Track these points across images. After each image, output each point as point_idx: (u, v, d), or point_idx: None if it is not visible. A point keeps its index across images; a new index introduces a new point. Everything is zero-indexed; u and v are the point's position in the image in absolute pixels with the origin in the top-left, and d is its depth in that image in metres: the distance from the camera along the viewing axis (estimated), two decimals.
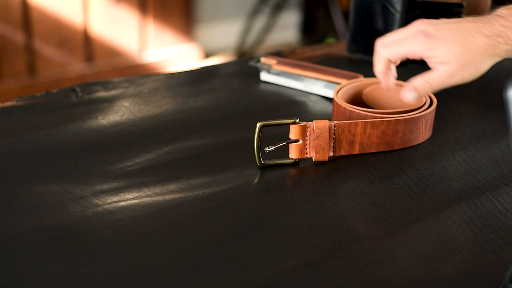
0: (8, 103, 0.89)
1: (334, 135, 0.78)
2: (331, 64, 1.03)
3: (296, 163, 0.78)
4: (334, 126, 0.77)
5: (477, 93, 0.99)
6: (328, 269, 0.61)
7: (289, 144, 0.78)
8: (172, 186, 0.72)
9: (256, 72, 1.03)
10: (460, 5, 1.05)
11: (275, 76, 1.00)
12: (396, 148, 0.81)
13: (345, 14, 2.75)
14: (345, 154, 0.79)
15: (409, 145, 0.82)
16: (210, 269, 0.60)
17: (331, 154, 0.78)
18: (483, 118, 0.91)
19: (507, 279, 0.56)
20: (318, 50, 1.16)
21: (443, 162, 0.80)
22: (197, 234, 0.65)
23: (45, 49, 2.45)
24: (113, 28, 2.57)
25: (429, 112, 0.82)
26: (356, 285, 0.59)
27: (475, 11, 1.13)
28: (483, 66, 0.79)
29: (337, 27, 2.79)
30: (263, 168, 0.77)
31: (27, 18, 2.39)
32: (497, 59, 0.79)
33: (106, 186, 0.71)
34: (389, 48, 0.81)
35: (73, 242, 0.62)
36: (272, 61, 1.01)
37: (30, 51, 2.43)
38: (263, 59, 1.01)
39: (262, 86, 1.00)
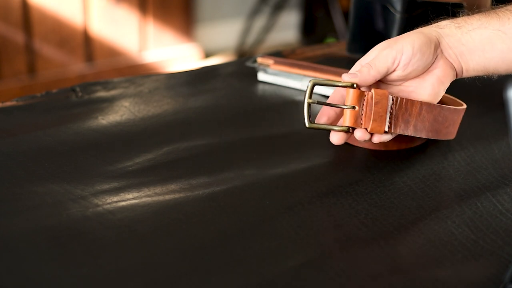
0: (8, 103, 0.89)
1: (391, 109, 0.73)
2: (331, 64, 1.03)
3: (348, 130, 0.73)
4: (393, 99, 0.73)
5: (477, 93, 0.99)
6: (328, 269, 0.61)
7: (344, 111, 0.73)
8: (172, 186, 0.72)
9: (256, 72, 1.03)
10: (460, 5, 1.05)
11: (272, 76, 1.00)
12: (440, 138, 0.77)
13: (345, 14, 2.75)
14: (400, 132, 0.74)
15: (447, 138, 0.79)
16: (210, 269, 0.60)
17: (386, 128, 0.73)
18: (483, 118, 0.91)
19: (507, 279, 0.56)
20: (318, 50, 1.16)
21: (443, 162, 0.80)
22: (197, 234, 0.65)
23: (45, 49, 2.45)
24: (113, 28, 2.57)
25: (463, 110, 0.80)
26: (356, 285, 0.59)
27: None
28: (417, 34, 0.74)
29: (337, 27, 2.79)
30: (311, 129, 0.73)
31: (27, 18, 2.39)
32: (433, 33, 0.76)
33: (106, 186, 0.71)
34: (378, 62, 0.75)
35: (73, 242, 0.62)
36: (269, 61, 1.00)
37: (30, 51, 2.43)
38: (259, 59, 1.01)
39: (262, 86, 1.00)
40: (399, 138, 0.78)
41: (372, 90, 0.73)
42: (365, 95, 0.73)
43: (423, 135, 0.76)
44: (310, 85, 0.73)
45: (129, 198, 0.70)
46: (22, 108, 0.88)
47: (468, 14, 0.79)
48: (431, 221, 0.68)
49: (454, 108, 0.78)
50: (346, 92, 0.73)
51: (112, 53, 2.60)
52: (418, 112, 0.74)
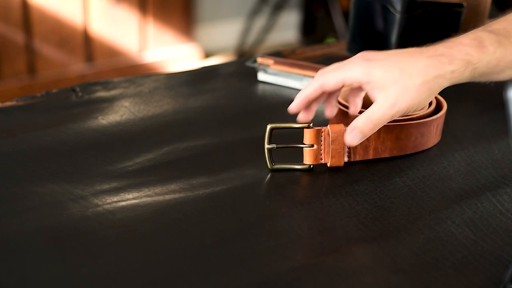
0: (8, 103, 0.89)
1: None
2: (331, 64, 1.03)
3: (310, 169, 0.76)
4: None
5: (477, 93, 0.99)
6: (328, 269, 0.61)
7: (303, 149, 0.76)
8: (172, 186, 0.72)
9: (256, 72, 1.03)
10: (460, 5, 1.05)
11: (272, 76, 1.00)
12: (408, 152, 0.80)
13: (345, 14, 2.75)
14: (360, 159, 0.77)
15: (420, 149, 0.81)
16: (210, 269, 0.60)
17: (346, 159, 0.77)
18: (483, 118, 0.91)
19: (507, 279, 0.56)
20: (318, 50, 1.16)
21: (443, 162, 0.80)
22: (197, 234, 0.65)
23: (45, 49, 2.45)
24: (113, 28, 2.57)
25: (440, 116, 0.81)
26: (356, 285, 0.59)
27: (475, 11, 1.13)
28: (428, 90, 0.72)
29: (337, 27, 2.79)
30: (274, 171, 0.76)
31: (27, 18, 2.39)
32: (443, 83, 0.72)
33: (106, 186, 0.71)
34: (325, 75, 0.74)
35: (73, 242, 0.62)
36: (269, 61, 1.00)
37: (30, 51, 2.43)
38: (259, 59, 1.01)
39: (262, 86, 1.00)
40: (390, 146, 0.79)
41: (328, 127, 0.75)
42: (322, 132, 0.75)
43: (386, 155, 0.78)
44: (268, 130, 0.76)
45: (129, 198, 0.70)
46: (22, 108, 0.88)
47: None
48: (431, 221, 0.68)
49: (417, 123, 0.78)
50: (304, 132, 0.75)
51: (112, 53, 2.60)
52: (376, 136, 0.77)
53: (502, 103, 0.91)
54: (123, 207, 0.68)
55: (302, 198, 0.72)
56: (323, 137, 0.75)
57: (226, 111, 0.91)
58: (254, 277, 0.59)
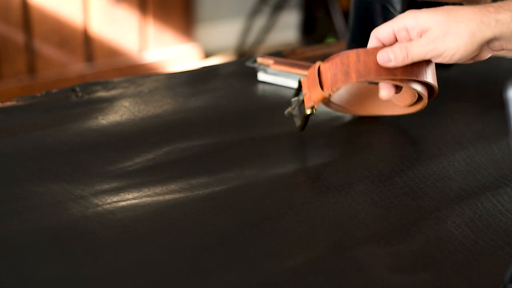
0: (8, 103, 0.89)
1: (329, 72, 0.77)
2: None
3: (312, 113, 0.80)
4: (327, 64, 0.77)
5: (477, 93, 0.99)
6: (328, 269, 0.61)
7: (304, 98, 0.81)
8: (172, 186, 0.72)
9: (256, 72, 1.03)
10: (460, 5, 1.05)
11: (272, 76, 1.00)
12: (399, 77, 0.75)
13: (345, 14, 2.75)
14: (342, 85, 0.76)
15: (413, 78, 0.76)
16: (210, 269, 0.60)
17: (327, 88, 0.77)
18: (483, 118, 0.91)
19: (507, 279, 0.56)
20: (318, 50, 1.16)
21: (443, 162, 0.80)
22: (197, 234, 0.65)
23: (45, 49, 2.45)
24: (113, 28, 2.57)
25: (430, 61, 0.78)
26: (356, 285, 0.59)
27: None
28: (470, 36, 0.72)
29: (337, 27, 2.79)
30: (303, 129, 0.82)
31: (27, 18, 2.39)
32: (487, 32, 0.72)
33: (106, 186, 0.71)
34: (378, 29, 0.77)
35: (73, 242, 0.62)
36: (269, 61, 1.00)
37: (30, 51, 2.43)
38: (259, 59, 1.01)
39: (262, 86, 1.00)
40: (374, 68, 0.76)
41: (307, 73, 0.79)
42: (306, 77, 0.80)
43: (372, 75, 0.75)
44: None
45: (129, 198, 0.70)
46: (22, 108, 0.88)
47: None
48: (431, 221, 0.68)
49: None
50: (301, 83, 0.82)
51: (112, 53, 2.60)
52: (355, 60, 0.76)
53: (502, 103, 0.91)
54: (123, 207, 0.68)
55: (302, 198, 0.72)
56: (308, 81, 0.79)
57: (226, 111, 0.91)
58: (254, 277, 0.59)
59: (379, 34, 0.77)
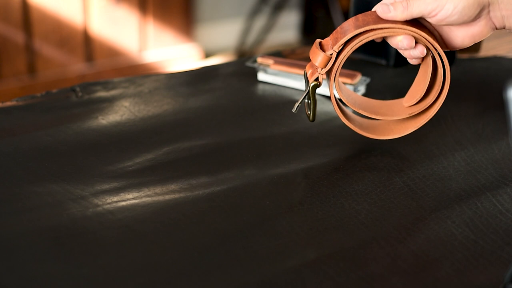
0: (8, 103, 0.89)
1: (330, 40, 0.75)
2: None
3: (316, 85, 0.77)
4: (330, 36, 0.76)
5: (477, 93, 0.99)
6: (328, 269, 0.61)
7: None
8: (172, 186, 0.72)
9: (256, 72, 1.03)
10: None
11: (272, 76, 1.00)
12: (400, 24, 0.74)
13: (345, 14, 2.75)
14: (343, 40, 0.74)
15: (418, 28, 0.74)
16: (210, 269, 0.60)
17: (327, 51, 0.75)
18: (483, 118, 0.91)
19: (507, 279, 0.56)
20: None
21: (443, 162, 0.80)
22: (197, 234, 0.65)
23: (45, 49, 2.45)
24: (113, 28, 2.57)
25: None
26: (356, 285, 0.59)
27: None
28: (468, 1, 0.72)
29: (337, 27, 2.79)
30: (312, 123, 0.82)
31: (27, 18, 2.39)
32: None
33: (106, 186, 0.71)
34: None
35: (73, 242, 0.62)
36: (269, 61, 1.00)
37: (30, 51, 2.43)
38: (259, 59, 1.01)
39: (262, 86, 1.00)
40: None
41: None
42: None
43: (370, 25, 0.73)
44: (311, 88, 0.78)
45: (129, 198, 0.70)
46: (22, 108, 0.88)
47: None
48: (431, 221, 0.68)
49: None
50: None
51: (112, 53, 2.60)
52: (354, 21, 0.74)
53: (502, 103, 0.91)
54: (123, 207, 0.68)
55: (302, 198, 0.72)
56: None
57: (226, 111, 0.91)
58: (254, 277, 0.59)
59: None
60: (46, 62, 2.47)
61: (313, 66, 0.77)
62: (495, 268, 0.61)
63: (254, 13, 2.93)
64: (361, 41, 0.74)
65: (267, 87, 1.00)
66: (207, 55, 2.94)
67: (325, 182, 0.75)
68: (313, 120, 0.79)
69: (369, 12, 0.76)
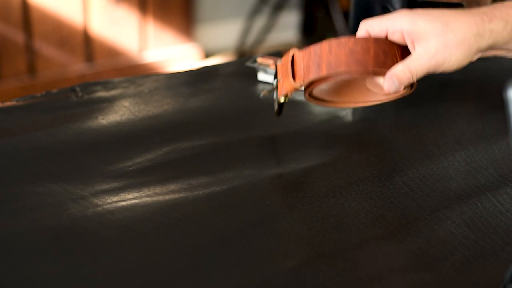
0: (8, 103, 0.89)
1: (302, 62, 0.75)
2: None
3: (284, 100, 0.79)
4: (304, 53, 0.75)
5: (477, 93, 0.99)
6: (328, 269, 0.61)
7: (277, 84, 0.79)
8: (172, 186, 0.72)
9: (256, 72, 1.03)
10: (460, 5, 1.05)
11: (272, 76, 1.00)
12: (371, 69, 0.73)
13: (345, 14, 2.75)
14: (314, 77, 0.74)
15: (386, 69, 0.74)
16: (210, 269, 0.60)
17: (299, 79, 0.75)
18: (483, 118, 0.91)
19: (507, 279, 0.56)
20: None
21: (443, 162, 0.80)
22: (197, 234, 0.65)
23: (45, 49, 2.45)
24: (113, 28, 2.57)
25: (405, 46, 0.75)
26: (356, 285, 0.59)
27: None
28: (467, 49, 0.73)
29: (337, 27, 2.79)
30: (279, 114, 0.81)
31: (27, 18, 2.39)
32: (482, 42, 0.73)
33: (106, 186, 0.71)
34: (370, 21, 0.76)
35: (73, 242, 0.62)
36: (268, 61, 1.00)
37: (30, 51, 2.43)
38: (259, 59, 1.01)
39: (262, 86, 1.00)
40: (345, 60, 0.74)
41: (281, 59, 0.78)
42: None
43: (342, 68, 0.73)
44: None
45: (129, 198, 0.70)
46: (22, 108, 0.88)
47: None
48: (431, 221, 0.68)
49: (374, 38, 0.74)
50: (276, 68, 0.80)
51: (112, 53, 2.60)
52: (327, 51, 0.74)
53: (502, 103, 0.91)
54: (123, 207, 0.68)
55: (302, 198, 0.72)
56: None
57: (226, 111, 0.91)
58: (254, 277, 0.59)
59: (371, 27, 0.75)
60: (46, 62, 2.47)
61: (282, 78, 0.78)
62: (495, 268, 0.61)
63: (254, 13, 2.93)
64: (329, 79, 0.75)
65: (267, 87, 1.00)
66: (207, 55, 2.94)
67: (325, 182, 0.75)
68: (279, 115, 0.82)
69: (343, 40, 0.74)
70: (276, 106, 0.81)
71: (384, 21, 0.75)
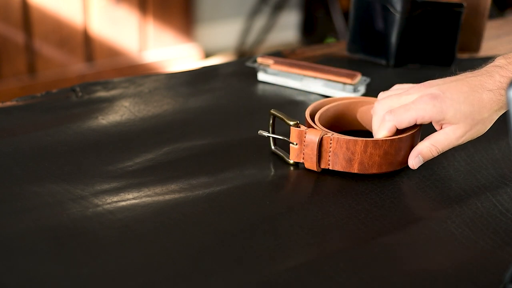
0: (8, 103, 0.89)
1: (330, 147, 0.74)
2: (331, 64, 1.03)
3: (294, 164, 0.77)
4: (331, 140, 0.74)
5: None
6: (328, 269, 0.61)
7: (290, 146, 0.77)
8: (172, 186, 0.72)
9: (256, 72, 1.03)
10: (460, 5, 1.05)
11: (272, 76, 1.00)
12: (398, 168, 0.76)
13: (345, 14, 2.75)
14: (342, 170, 0.75)
15: (403, 166, 0.77)
16: (210, 269, 0.60)
17: (324, 166, 0.75)
18: None
19: (507, 279, 0.56)
20: (318, 50, 1.17)
21: (443, 162, 0.80)
22: (197, 234, 0.65)
23: (45, 49, 2.46)
24: (113, 28, 2.57)
25: (418, 130, 0.78)
26: (356, 285, 0.59)
27: (475, 11, 1.13)
28: (490, 122, 0.76)
29: (337, 27, 2.79)
30: (273, 154, 0.79)
31: (27, 18, 2.39)
32: (502, 111, 0.76)
33: (106, 186, 0.71)
34: (397, 115, 0.75)
35: (73, 242, 0.62)
36: (269, 61, 1.01)
37: (30, 51, 2.43)
38: (259, 59, 1.01)
39: (262, 86, 1.00)
40: (378, 161, 0.75)
41: (307, 131, 0.75)
42: (304, 133, 0.75)
43: (374, 171, 0.75)
44: (270, 115, 0.79)
45: (129, 198, 0.70)
46: (22, 108, 0.88)
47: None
48: (431, 221, 0.68)
49: (408, 135, 0.75)
50: (291, 129, 0.76)
51: (112, 53, 2.60)
52: (363, 150, 0.74)
53: None
54: (123, 207, 0.68)
55: (302, 198, 0.72)
56: (304, 139, 0.75)
57: (226, 111, 0.91)
58: (254, 277, 0.59)
59: (399, 123, 0.75)
60: (46, 62, 2.47)
61: (303, 153, 0.76)
62: (495, 268, 0.61)
63: (254, 13, 2.93)
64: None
65: (267, 87, 1.00)
66: (207, 55, 2.94)
67: (325, 182, 0.75)
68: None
69: (380, 142, 0.74)
70: (277, 154, 0.79)
71: (411, 113, 0.74)
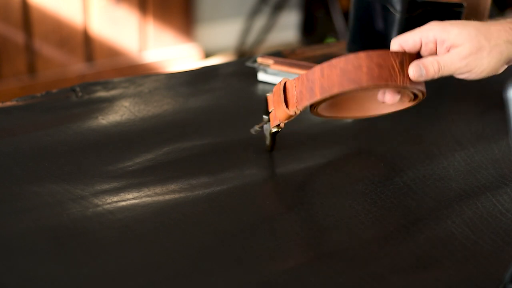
0: (8, 103, 0.89)
1: (295, 89, 0.74)
2: None
3: (278, 131, 0.77)
4: (294, 82, 0.74)
5: (478, 93, 0.99)
6: (328, 269, 0.61)
7: (269, 115, 0.78)
8: (172, 186, 0.72)
9: (256, 72, 1.03)
10: (460, 5, 1.05)
11: (272, 76, 1.00)
12: (365, 84, 0.71)
13: (345, 14, 2.75)
14: (308, 103, 0.73)
15: (383, 82, 0.71)
16: (210, 269, 0.60)
17: (292, 106, 0.74)
18: (483, 118, 0.91)
19: (507, 279, 0.56)
20: (318, 50, 1.16)
21: (443, 162, 0.80)
22: (197, 234, 0.65)
23: (45, 49, 2.45)
24: (113, 28, 2.57)
25: (403, 53, 0.73)
26: (356, 285, 0.59)
27: (475, 11, 1.13)
28: (498, 54, 0.72)
29: (337, 27, 2.79)
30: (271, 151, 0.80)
31: (27, 18, 2.39)
32: (510, 46, 0.73)
33: (106, 186, 0.71)
34: (403, 36, 0.74)
35: (73, 242, 0.62)
36: (269, 61, 1.00)
37: (30, 51, 2.43)
38: (259, 59, 1.01)
39: (262, 86, 1.00)
40: (337, 80, 0.72)
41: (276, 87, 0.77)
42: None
43: (336, 90, 0.72)
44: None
45: (129, 198, 0.70)
46: (22, 108, 0.88)
47: None
48: (431, 221, 0.68)
49: (365, 53, 0.72)
50: (267, 98, 0.78)
51: (112, 53, 2.60)
52: (320, 75, 0.72)
53: (502, 103, 0.91)
54: (123, 207, 0.68)
55: (302, 198, 0.72)
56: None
57: (226, 111, 0.91)
58: (254, 277, 0.59)
59: (405, 42, 0.74)
60: (46, 62, 2.47)
61: (275, 108, 0.77)
62: (495, 268, 0.61)
63: (254, 13, 2.93)
64: (325, 100, 0.74)
65: (267, 87, 1.00)
66: (207, 55, 2.94)
67: (325, 182, 0.75)
68: (271, 151, 0.80)
69: (334, 62, 0.73)
70: (268, 139, 0.79)
71: (416, 33, 0.74)
